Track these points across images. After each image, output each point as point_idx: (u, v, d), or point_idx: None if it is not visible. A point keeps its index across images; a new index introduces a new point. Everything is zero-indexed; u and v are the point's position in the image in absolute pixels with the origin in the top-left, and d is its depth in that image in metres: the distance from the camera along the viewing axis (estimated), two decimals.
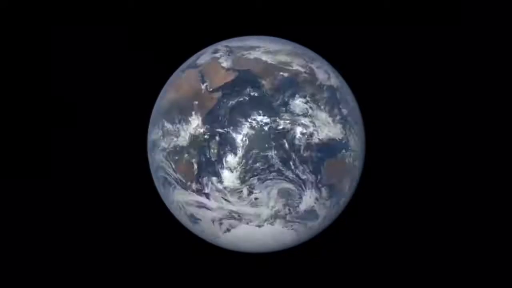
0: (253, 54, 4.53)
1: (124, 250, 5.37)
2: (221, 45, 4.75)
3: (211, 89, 4.40)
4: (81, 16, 5.50)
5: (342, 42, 5.20)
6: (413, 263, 4.93)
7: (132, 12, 5.53)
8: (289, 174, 4.24)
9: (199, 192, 4.34)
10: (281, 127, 4.22)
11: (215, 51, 4.68)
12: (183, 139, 4.39)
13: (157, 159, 4.59)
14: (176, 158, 4.41)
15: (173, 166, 4.44)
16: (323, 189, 4.33)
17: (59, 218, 5.39)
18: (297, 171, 4.24)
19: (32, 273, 5.30)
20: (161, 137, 4.54)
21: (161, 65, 5.23)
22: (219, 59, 4.57)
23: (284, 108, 4.27)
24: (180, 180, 4.43)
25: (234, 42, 4.82)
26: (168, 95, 4.72)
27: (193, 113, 4.37)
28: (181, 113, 4.42)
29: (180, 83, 4.66)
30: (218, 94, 4.37)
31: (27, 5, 5.43)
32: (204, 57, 4.72)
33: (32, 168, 5.43)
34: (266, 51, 4.56)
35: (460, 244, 4.91)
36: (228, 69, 4.47)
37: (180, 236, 5.12)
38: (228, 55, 4.59)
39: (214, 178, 4.27)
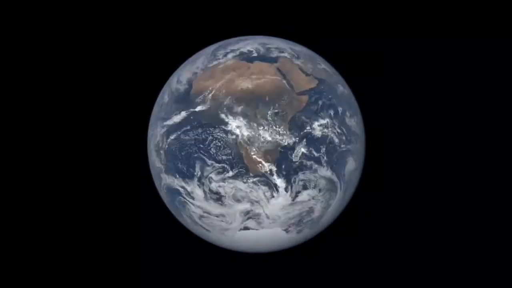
0: (322, 65, 4.66)
1: (124, 250, 5.28)
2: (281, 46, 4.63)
3: (297, 91, 4.32)
4: (81, 16, 5.40)
5: (342, 42, 5.46)
6: (413, 263, 5.23)
7: (132, 12, 5.44)
8: None
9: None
10: None
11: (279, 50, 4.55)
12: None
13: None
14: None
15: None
16: None
17: (59, 218, 5.31)
18: None
19: (31, 273, 5.21)
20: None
21: (161, 65, 5.12)
22: (294, 61, 4.49)
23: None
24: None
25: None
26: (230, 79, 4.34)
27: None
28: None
29: (252, 72, 4.37)
30: (305, 98, 4.32)
31: (27, 5, 5.38)
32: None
33: (32, 168, 5.34)
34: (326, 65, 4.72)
35: (460, 244, 5.25)
36: (308, 75, 4.46)
37: (180, 236, 5.03)
38: (298, 58, 4.54)
39: None
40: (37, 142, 5.35)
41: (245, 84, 4.29)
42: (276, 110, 4.20)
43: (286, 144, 4.20)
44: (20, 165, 5.31)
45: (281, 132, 4.20)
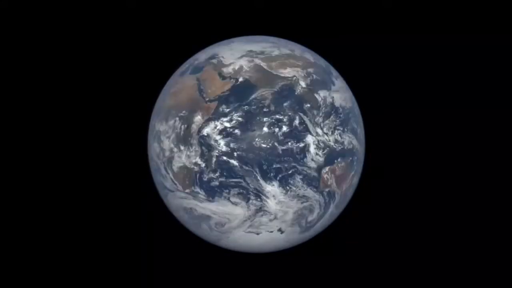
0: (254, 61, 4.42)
1: (122, 250, 5.29)
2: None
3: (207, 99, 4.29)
4: (81, 16, 5.38)
5: (343, 43, 5.44)
6: (413, 263, 5.22)
7: (131, 12, 5.42)
8: None
9: None
10: None
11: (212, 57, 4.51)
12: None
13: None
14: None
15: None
16: None
17: (59, 218, 5.33)
18: None
19: (30, 274, 5.22)
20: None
21: (161, 65, 5.16)
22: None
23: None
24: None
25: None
26: (166, 100, 4.54)
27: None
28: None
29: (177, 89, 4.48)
30: (213, 105, 4.26)
31: (27, 5, 5.39)
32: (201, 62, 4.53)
33: (32, 168, 5.34)
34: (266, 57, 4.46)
35: (460, 244, 5.27)
36: (224, 78, 4.35)
37: (180, 236, 5.04)
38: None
39: None
40: (37, 143, 5.36)
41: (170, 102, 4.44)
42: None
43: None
44: (19, 165, 5.33)
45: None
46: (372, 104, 5.24)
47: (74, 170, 5.36)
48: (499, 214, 5.33)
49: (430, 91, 5.54)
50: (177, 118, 4.30)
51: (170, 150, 4.32)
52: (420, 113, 5.51)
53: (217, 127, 4.17)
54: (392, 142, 5.45)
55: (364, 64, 5.47)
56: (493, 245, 5.28)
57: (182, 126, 4.26)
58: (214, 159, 4.17)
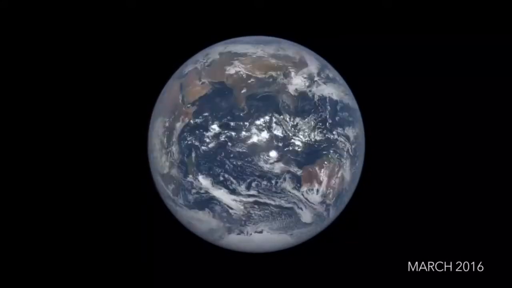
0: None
1: (122, 250, 5.31)
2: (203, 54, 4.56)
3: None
4: (81, 16, 5.43)
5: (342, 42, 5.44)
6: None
7: (131, 12, 5.46)
8: None
9: None
10: None
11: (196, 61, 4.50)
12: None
13: None
14: None
15: None
16: None
17: (58, 218, 5.31)
18: None
19: (30, 274, 5.22)
20: None
21: (161, 65, 5.16)
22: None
23: None
24: None
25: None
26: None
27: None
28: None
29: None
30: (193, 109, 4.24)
31: (27, 5, 5.40)
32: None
33: (32, 169, 5.34)
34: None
35: (460, 244, 5.28)
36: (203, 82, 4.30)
37: (180, 236, 5.04)
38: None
39: None
40: (37, 143, 5.36)
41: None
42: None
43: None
44: (18, 165, 5.33)
45: None
46: (372, 104, 5.23)
47: (74, 171, 5.36)
48: (500, 214, 5.34)
49: (430, 91, 5.54)
50: None
51: None
52: (420, 113, 5.51)
53: None
54: (392, 142, 5.45)
55: (364, 64, 5.46)
56: (494, 244, 5.29)
57: None
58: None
